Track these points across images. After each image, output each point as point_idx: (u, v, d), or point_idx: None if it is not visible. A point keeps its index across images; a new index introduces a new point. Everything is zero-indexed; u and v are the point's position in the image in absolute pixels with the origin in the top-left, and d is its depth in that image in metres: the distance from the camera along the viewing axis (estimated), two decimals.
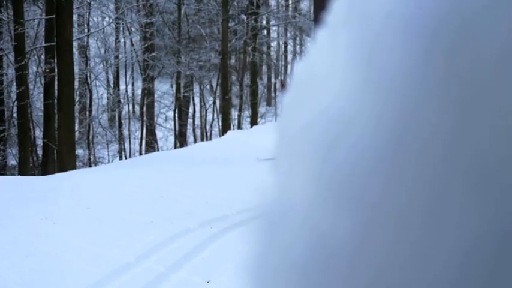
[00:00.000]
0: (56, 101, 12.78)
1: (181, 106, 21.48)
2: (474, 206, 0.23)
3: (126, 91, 22.06)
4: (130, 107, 23.31)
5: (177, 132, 21.35)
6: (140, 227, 4.50)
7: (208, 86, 24.56)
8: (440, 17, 0.23)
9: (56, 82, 14.78)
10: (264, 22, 26.78)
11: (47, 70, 14.08)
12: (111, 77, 22.90)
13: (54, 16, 12.22)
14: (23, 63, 12.97)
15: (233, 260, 3.92)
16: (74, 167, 10.76)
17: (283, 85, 10.35)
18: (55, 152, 14.04)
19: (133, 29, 21.52)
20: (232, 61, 25.85)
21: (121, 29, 21.67)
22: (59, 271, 3.32)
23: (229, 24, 20.91)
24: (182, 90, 21.37)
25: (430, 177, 0.24)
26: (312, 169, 0.27)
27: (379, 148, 0.24)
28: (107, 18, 21.65)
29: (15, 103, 14.02)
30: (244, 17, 22.78)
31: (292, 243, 0.27)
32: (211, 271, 3.63)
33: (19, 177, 8.11)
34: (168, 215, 5.04)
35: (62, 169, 10.06)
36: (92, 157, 17.78)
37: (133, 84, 23.35)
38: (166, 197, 5.92)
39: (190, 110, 23.08)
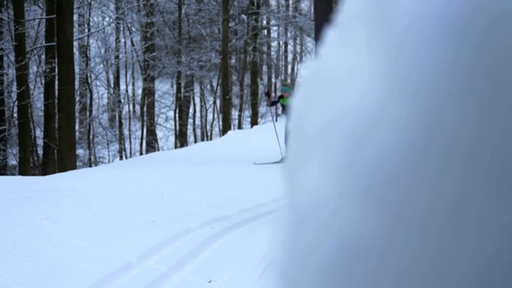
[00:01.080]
0: (56, 100, 12.77)
1: (182, 106, 21.49)
2: (497, 206, 0.23)
3: (127, 91, 22.07)
4: (131, 107, 23.32)
5: (177, 132, 21.36)
6: (141, 227, 4.49)
7: (208, 86, 24.57)
8: (468, 16, 0.23)
9: (56, 82, 14.79)
10: (265, 22, 26.77)
11: (48, 70, 14.08)
12: (111, 77, 22.91)
13: (54, 16, 12.22)
14: (24, 63, 12.97)
15: (234, 260, 3.92)
16: (74, 167, 10.76)
17: (267, 92, 10.40)
18: (55, 152, 14.04)
19: (133, 28, 21.52)
20: (233, 61, 25.85)
21: (121, 29, 21.67)
22: (60, 271, 3.31)
23: (230, 24, 20.91)
24: (182, 90, 21.38)
25: (455, 177, 0.23)
26: (338, 168, 0.27)
27: (406, 147, 0.24)
28: (107, 18, 21.65)
29: (16, 103, 14.02)
30: (244, 17, 22.77)
31: (318, 243, 0.27)
32: (212, 271, 3.63)
33: (19, 177, 8.10)
34: (169, 215, 5.04)
35: (63, 169, 10.06)
36: (92, 157, 17.78)
37: (133, 84, 23.36)
38: (166, 197, 5.91)
39: (191, 110, 23.08)
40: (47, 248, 3.70)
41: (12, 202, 5.06)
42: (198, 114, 23.83)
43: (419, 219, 0.24)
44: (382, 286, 0.25)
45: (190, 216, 5.03)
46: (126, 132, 21.08)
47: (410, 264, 0.24)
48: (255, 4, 21.88)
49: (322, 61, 0.34)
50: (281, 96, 9.57)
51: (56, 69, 12.39)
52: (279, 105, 10.41)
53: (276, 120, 10.54)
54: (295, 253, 0.29)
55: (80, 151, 17.49)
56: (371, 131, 0.25)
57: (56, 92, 13.58)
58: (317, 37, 21.60)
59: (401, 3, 0.26)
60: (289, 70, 32.09)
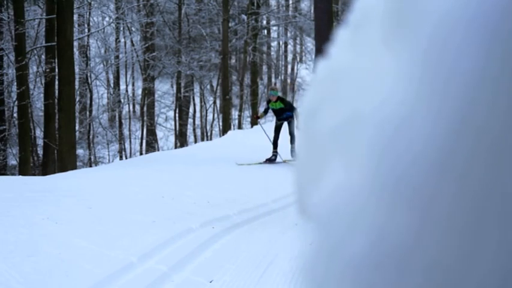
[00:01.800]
0: (56, 100, 12.77)
1: (182, 106, 21.48)
2: None
3: (127, 91, 22.06)
4: (131, 107, 23.31)
5: (177, 132, 21.35)
6: (142, 227, 4.49)
7: (208, 86, 24.56)
8: (499, 16, 0.23)
9: (56, 82, 14.78)
10: (264, 22, 26.77)
11: (48, 70, 14.07)
12: (111, 77, 22.90)
13: (54, 16, 12.22)
14: (24, 63, 12.97)
15: (236, 259, 3.92)
16: (74, 167, 10.77)
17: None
18: (55, 152, 14.02)
19: (133, 29, 21.51)
20: (233, 61, 25.85)
21: (121, 29, 21.67)
22: (61, 271, 3.31)
23: (230, 24, 20.90)
24: (182, 90, 21.37)
25: (480, 175, 0.23)
26: (366, 167, 0.27)
27: (435, 146, 0.24)
28: (107, 18, 21.64)
29: (16, 103, 14.01)
30: (244, 17, 22.77)
31: (345, 241, 0.27)
32: (213, 271, 3.63)
33: (19, 177, 8.09)
34: (170, 214, 5.03)
35: (63, 169, 10.06)
36: (92, 157, 17.78)
37: (133, 84, 23.36)
38: (167, 197, 5.91)
39: (191, 109, 23.07)
40: (48, 248, 3.70)
41: (13, 202, 5.05)
42: (198, 114, 23.83)
43: (446, 217, 0.24)
44: (411, 282, 0.25)
45: (191, 216, 5.03)
46: (126, 132, 21.07)
47: (438, 261, 0.24)
48: (255, 4, 21.88)
49: (334, 60, 0.34)
50: (269, 101, 9.57)
51: (56, 69, 12.38)
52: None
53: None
54: (320, 252, 0.29)
55: (79, 151, 17.49)
56: (400, 130, 0.25)
57: (56, 92, 13.56)
58: (317, 37, 21.42)
59: (429, 4, 0.26)
60: (289, 70, 32.08)
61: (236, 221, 5.10)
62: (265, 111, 9.77)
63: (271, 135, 9.82)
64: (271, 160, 9.47)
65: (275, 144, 9.55)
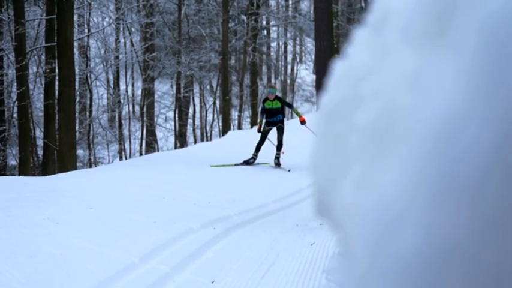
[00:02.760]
0: (56, 101, 12.77)
1: (182, 106, 21.47)
2: None
3: (126, 91, 22.06)
4: (131, 107, 23.31)
5: (177, 133, 21.35)
6: (143, 227, 4.49)
7: (208, 87, 24.56)
8: None
9: (56, 82, 14.76)
10: (264, 23, 26.78)
11: (48, 70, 14.07)
12: (111, 77, 22.90)
13: (54, 16, 12.22)
14: (24, 63, 12.97)
15: (237, 260, 3.92)
16: (74, 167, 10.76)
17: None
18: (55, 152, 14.01)
19: (133, 29, 21.51)
20: (232, 61, 25.85)
21: (121, 29, 21.67)
22: (63, 271, 3.31)
23: (229, 25, 20.91)
24: (182, 91, 21.36)
25: None
26: (414, 161, 0.27)
27: (487, 144, 0.24)
28: (107, 19, 21.64)
29: (16, 103, 14.01)
30: (244, 17, 22.77)
31: (392, 238, 0.27)
32: (215, 271, 3.63)
33: (20, 177, 8.08)
34: (171, 215, 5.03)
35: (63, 169, 10.06)
36: (92, 157, 17.77)
37: (133, 85, 23.35)
38: (167, 198, 5.91)
39: (190, 110, 23.06)
40: (50, 248, 3.69)
41: (14, 202, 5.04)
42: (197, 115, 23.82)
43: (492, 215, 0.24)
44: (460, 279, 0.25)
45: (192, 216, 5.03)
46: (125, 132, 21.07)
47: (501, 269, 0.24)
48: (255, 4, 21.88)
49: (355, 60, 0.34)
50: (265, 100, 9.33)
51: (56, 70, 12.38)
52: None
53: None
54: (364, 249, 0.29)
55: (79, 151, 17.49)
56: (459, 131, 0.25)
57: (56, 92, 13.54)
58: (317, 37, 21.36)
59: (486, 8, 0.25)
60: (289, 70, 32.09)
61: (237, 221, 5.10)
62: (262, 112, 9.50)
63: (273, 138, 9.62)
64: (248, 162, 9.24)
65: (258, 148, 9.35)
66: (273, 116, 9.26)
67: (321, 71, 18.66)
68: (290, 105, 9.59)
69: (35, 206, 4.92)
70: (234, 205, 5.79)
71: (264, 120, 9.58)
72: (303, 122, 8.97)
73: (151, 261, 3.66)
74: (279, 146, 9.16)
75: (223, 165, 8.91)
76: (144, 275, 3.44)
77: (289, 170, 8.85)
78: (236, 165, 9.02)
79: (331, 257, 3.90)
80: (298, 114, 9.24)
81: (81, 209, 4.93)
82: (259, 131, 9.55)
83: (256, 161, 9.42)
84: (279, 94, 10.00)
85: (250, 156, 9.38)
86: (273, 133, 9.69)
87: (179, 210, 5.35)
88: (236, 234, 4.66)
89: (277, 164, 9.16)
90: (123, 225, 4.52)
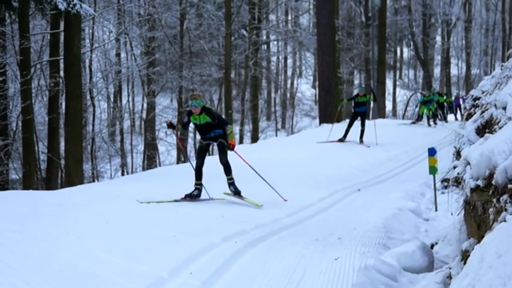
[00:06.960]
0: (60, 115, 12.77)
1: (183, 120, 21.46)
2: None
3: (128, 105, 22.09)
4: (131, 121, 23.31)
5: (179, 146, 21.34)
6: (164, 242, 4.46)
7: (209, 101, 24.61)
8: None
9: (60, 96, 14.76)
10: (265, 37, 26.95)
11: (52, 84, 14.08)
12: (112, 91, 22.94)
13: (60, 30, 12.26)
14: (29, 77, 12.97)
15: (266, 275, 3.89)
16: (81, 181, 10.72)
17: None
18: (59, 166, 13.96)
19: (135, 43, 21.59)
20: (232, 75, 25.95)
21: (122, 42, 21.74)
22: (95, 286, 3.28)
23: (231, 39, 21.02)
24: (184, 105, 21.40)
25: None
26: None
27: None
28: (107, 33, 21.73)
29: (20, 117, 13.98)
30: (244, 32, 22.91)
31: None
32: (246, 286, 3.60)
33: (31, 191, 8.04)
34: (188, 229, 5.00)
35: (70, 183, 10.01)
36: (95, 171, 17.72)
37: (133, 99, 23.39)
38: (180, 212, 5.88)
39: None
40: (76, 262, 3.66)
41: (29, 216, 5.02)
42: None
43: None
44: None
45: (210, 230, 4.99)
46: (127, 146, 21.05)
47: None
48: (256, 19, 22.04)
49: None
50: (190, 113, 6.82)
51: (62, 84, 12.40)
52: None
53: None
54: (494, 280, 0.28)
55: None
56: None
57: (60, 106, 13.56)
58: (319, 51, 21.43)
59: None
60: (289, 84, 32.23)
61: (255, 235, 5.07)
62: (184, 126, 7.10)
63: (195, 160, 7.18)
64: (192, 196, 6.70)
65: (198, 173, 6.80)
66: (205, 133, 6.88)
67: (323, 84, 18.74)
68: (223, 123, 6.87)
69: (51, 220, 4.89)
70: (248, 218, 5.75)
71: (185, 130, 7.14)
72: (231, 148, 6.70)
73: (181, 276, 3.63)
74: (226, 170, 6.87)
75: (158, 202, 6.31)
76: None
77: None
78: (176, 201, 6.54)
79: (357, 270, 3.88)
80: (229, 136, 6.78)
81: (97, 223, 4.90)
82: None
83: (208, 195, 6.90)
84: (204, 103, 6.93)
85: (193, 188, 6.80)
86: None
87: (195, 224, 5.33)
88: (258, 249, 4.64)
89: (235, 191, 6.88)
90: (144, 239, 4.49)
